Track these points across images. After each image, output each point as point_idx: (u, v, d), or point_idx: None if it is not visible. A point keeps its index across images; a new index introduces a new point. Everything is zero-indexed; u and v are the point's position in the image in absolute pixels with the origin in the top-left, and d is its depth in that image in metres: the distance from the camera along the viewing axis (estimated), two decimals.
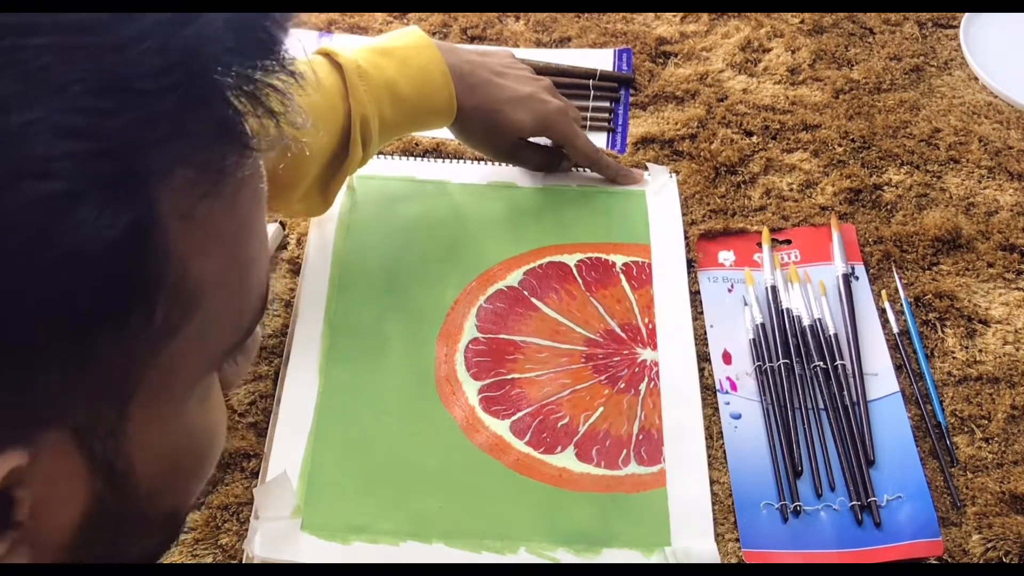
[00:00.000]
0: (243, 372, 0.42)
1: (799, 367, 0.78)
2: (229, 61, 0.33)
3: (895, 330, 0.81)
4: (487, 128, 0.85)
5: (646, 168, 0.92)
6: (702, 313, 0.82)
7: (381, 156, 0.93)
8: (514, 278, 0.84)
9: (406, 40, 0.80)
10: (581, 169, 0.92)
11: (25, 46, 0.30)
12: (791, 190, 0.91)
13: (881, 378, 0.78)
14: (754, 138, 0.96)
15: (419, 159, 0.93)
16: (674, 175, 0.92)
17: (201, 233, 0.34)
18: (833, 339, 0.79)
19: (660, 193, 0.90)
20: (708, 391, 0.77)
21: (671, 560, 0.68)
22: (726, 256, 0.86)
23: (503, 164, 0.92)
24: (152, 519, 0.40)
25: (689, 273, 0.85)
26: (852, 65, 1.03)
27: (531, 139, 0.89)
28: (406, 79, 0.79)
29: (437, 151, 0.94)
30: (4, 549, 0.33)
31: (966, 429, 0.75)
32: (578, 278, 0.84)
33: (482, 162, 0.93)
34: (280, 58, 0.34)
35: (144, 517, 0.39)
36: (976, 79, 1.02)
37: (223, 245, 0.35)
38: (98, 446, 0.34)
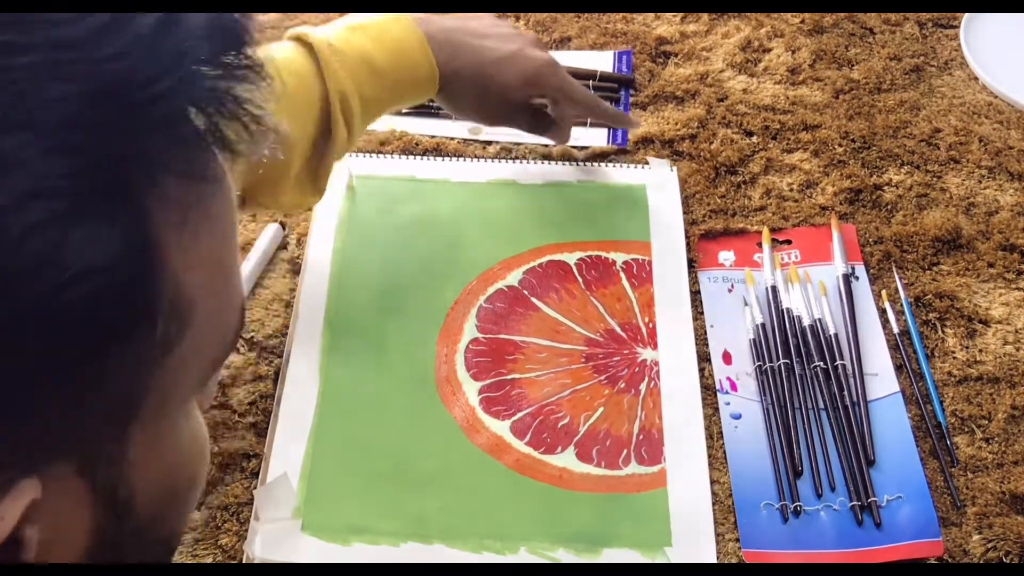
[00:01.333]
0: (211, 396, 0.42)
1: (799, 367, 0.78)
2: (209, 70, 0.33)
3: (895, 330, 0.81)
4: (475, 93, 0.82)
5: (647, 163, 0.92)
6: (702, 313, 0.82)
7: (381, 156, 0.93)
8: (514, 277, 0.84)
9: (378, 16, 0.78)
10: (582, 164, 0.93)
11: (11, 66, 0.29)
12: (791, 190, 0.91)
13: (881, 378, 0.78)
14: (754, 138, 0.96)
15: (419, 159, 0.93)
16: (674, 169, 0.92)
17: (192, 243, 0.33)
18: (833, 339, 0.79)
19: (661, 187, 0.90)
20: (708, 391, 0.77)
21: (671, 560, 0.68)
22: (726, 256, 0.86)
23: (502, 161, 0.92)
24: (150, 546, 0.39)
25: (689, 273, 0.85)
26: (852, 65, 1.03)
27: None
28: (382, 51, 0.76)
29: (437, 151, 0.94)
30: None
31: (966, 429, 0.75)
32: (578, 277, 0.84)
33: (482, 160, 0.93)
34: (253, 60, 0.34)
35: (144, 545, 0.39)
36: (976, 79, 1.02)
37: (210, 254, 0.35)
38: (101, 474, 0.34)
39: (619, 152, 0.95)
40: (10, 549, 0.32)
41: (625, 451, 0.74)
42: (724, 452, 0.74)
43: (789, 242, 0.87)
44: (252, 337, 0.79)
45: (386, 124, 0.96)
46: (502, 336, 0.80)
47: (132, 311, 0.32)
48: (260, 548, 0.67)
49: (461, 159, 0.93)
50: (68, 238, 0.29)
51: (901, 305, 0.82)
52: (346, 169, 0.90)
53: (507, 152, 0.94)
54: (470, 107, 0.84)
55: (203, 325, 0.35)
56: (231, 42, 0.34)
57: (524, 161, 0.93)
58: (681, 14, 1.08)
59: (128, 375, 0.33)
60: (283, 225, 0.87)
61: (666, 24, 1.07)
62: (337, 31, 0.76)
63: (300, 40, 0.74)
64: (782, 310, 0.82)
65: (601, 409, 0.76)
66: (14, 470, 0.31)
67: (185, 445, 0.39)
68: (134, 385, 0.33)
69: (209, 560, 0.68)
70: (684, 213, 0.89)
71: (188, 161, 0.33)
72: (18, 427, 0.31)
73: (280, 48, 0.74)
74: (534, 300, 0.83)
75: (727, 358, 0.80)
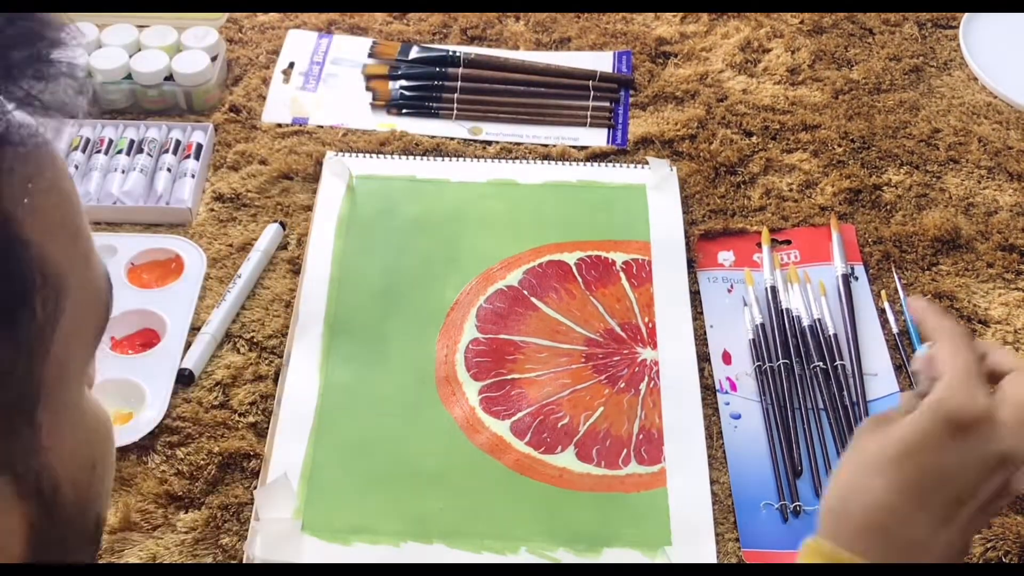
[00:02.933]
0: (95, 373, 0.41)
1: (799, 367, 0.79)
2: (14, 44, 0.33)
3: (895, 330, 0.81)
4: None
5: (647, 163, 0.92)
6: (702, 313, 0.82)
7: (381, 156, 0.93)
8: (514, 277, 0.84)
9: None
10: (582, 164, 0.93)
11: None
12: (791, 190, 0.91)
13: (881, 378, 0.78)
14: (754, 138, 0.96)
15: (419, 159, 0.93)
16: (674, 169, 0.92)
17: (42, 215, 0.33)
18: (833, 339, 0.80)
19: (660, 187, 0.90)
20: (708, 391, 0.78)
21: (671, 560, 0.68)
22: (726, 256, 0.86)
23: (502, 161, 0.92)
24: (85, 531, 0.39)
25: (689, 273, 0.85)
26: (852, 65, 1.03)
27: None
28: None
29: (437, 151, 0.94)
30: None
31: None
32: (578, 277, 0.84)
33: (482, 160, 0.93)
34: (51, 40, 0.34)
35: (79, 531, 0.38)
36: (976, 79, 1.02)
37: (61, 222, 0.35)
38: (22, 467, 0.34)
39: (619, 152, 0.95)
40: None
41: (625, 451, 0.74)
42: (724, 452, 0.74)
43: (789, 242, 0.87)
44: (252, 337, 0.79)
45: (386, 124, 0.96)
46: (502, 336, 0.80)
47: (9, 294, 0.32)
48: (260, 548, 0.67)
49: (461, 159, 0.93)
50: None
51: (900, 305, 0.82)
52: (346, 169, 0.90)
53: (507, 152, 0.95)
54: None
55: (77, 294, 0.35)
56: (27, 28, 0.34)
57: (524, 161, 0.93)
58: (681, 14, 1.08)
59: (21, 358, 0.32)
60: (283, 225, 0.87)
61: (666, 24, 1.07)
62: None
63: None
64: (781, 310, 0.82)
65: (601, 409, 0.76)
66: None
67: (89, 421, 0.38)
68: (30, 366, 0.33)
69: (209, 560, 0.68)
70: (684, 213, 0.89)
71: (14, 135, 0.32)
72: None
73: None
74: (534, 300, 0.83)
75: (727, 358, 0.80)
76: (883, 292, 0.83)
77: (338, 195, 0.89)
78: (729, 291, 0.84)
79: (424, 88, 0.99)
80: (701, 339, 0.81)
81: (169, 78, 0.95)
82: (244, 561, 0.67)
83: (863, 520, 0.52)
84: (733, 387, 0.78)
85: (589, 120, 0.97)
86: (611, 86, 1.00)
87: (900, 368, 0.79)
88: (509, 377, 0.78)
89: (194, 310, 0.80)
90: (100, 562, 0.67)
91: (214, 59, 0.96)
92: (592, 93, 0.99)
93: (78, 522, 0.38)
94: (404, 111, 0.97)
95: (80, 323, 0.35)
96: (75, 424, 0.37)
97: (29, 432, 0.34)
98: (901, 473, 0.51)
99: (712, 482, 0.72)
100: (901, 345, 0.80)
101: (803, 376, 0.78)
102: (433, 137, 0.95)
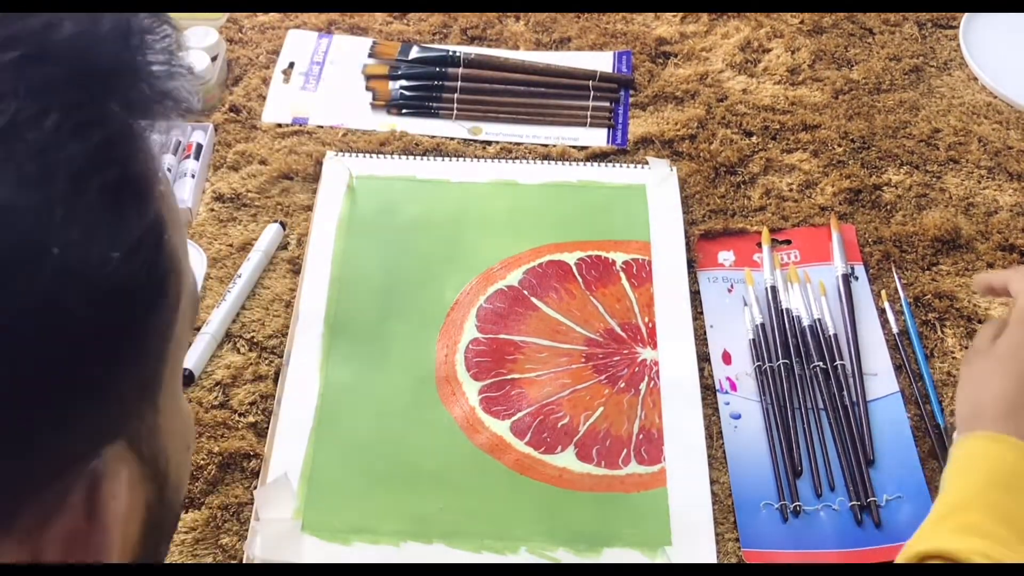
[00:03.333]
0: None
1: (799, 367, 0.79)
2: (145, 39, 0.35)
3: (895, 330, 0.81)
4: None
5: (647, 163, 0.92)
6: (702, 313, 0.82)
7: (381, 156, 0.93)
8: (514, 277, 0.84)
9: None
10: (582, 164, 0.93)
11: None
12: (791, 190, 0.91)
13: (881, 378, 0.78)
14: (754, 138, 0.96)
15: (419, 159, 0.93)
16: (674, 169, 0.92)
17: (167, 202, 0.35)
18: (833, 339, 0.80)
19: (660, 187, 0.90)
20: (708, 391, 0.78)
21: (671, 560, 0.68)
22: (726, 256, 0.86)
23: (502, 161, 0.92)
24: (177, 513, 0.41)
25: (689, 273, 0.85)
26: (852, 65, 1.03)
27: None
28: None
29: (437, 151, 0.94)
30: None
31: None
32: (578, 277, 0.84)
33: (482, 160, 0.93)
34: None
35: (175, 517, 0.40)
36: (976, 79, 1.02)
37: (176, 214, 0.36)
38: (144, 448, 0.35)
39: (619, 152, 0.95)
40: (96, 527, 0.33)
41: (625, 451, 0.74)
42: (724, 452, 0.74)
43: (789, 242, 0.87)
44: (252, 337, 0.80)
45: (386, 124, 0.96)
46: (502, 336, 0.80)
47: (157, 279, 0.33)
48: (260, 548, 0.67)
49: (461, 159, 0.93)
50: (110, 222, 0.31)
51: (900, 305, 0.82)
52: (346, 169, 0.90)
53: (507, 152, 0.95)
54: None
55: (187, 284, 0.36)
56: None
57: (524, 161, 0.93)
58: (681, 14, 1.08)
59: (158, 339, 0.34)
60: (283, 225, 0.87)
61: (666, 24, 1.07)
62: None
63: None
64: (782, 310, 0.82)
65: (601, 409, 0.76)
66: (91, 451, 0.32)
67: (186, 406, 0.41)
68: (160, 353, 0.35)
69: (209, 560, 0.68)
70: (684, 213, 0.89)
71: (157, 127, 0.34)
72: (88, 408, 0.32)
73: None
74: (534, 300, 0.83)
75: (727, 358, 0.80)
76: (883, 292, 0.83)
77: (338, 195, 0.89)
78: (729, 291, 0.84)
79: (424, 88, 0.99)
80: (701, 339, 0.81)
81: None
82: (244, 561, 0.67)
83: (993, 410, 0.63)
84: (733, 387, 0.78)
85: (589, 120, 0.97)
86: (611, 86, 1.00)
87: (900, 368, 0.79)
88: (509, 377, 0.78)
89: None
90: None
91: (214, 59, 0.96)
92: (592, 93, 0.99)
93: (176, 507, 0.40)
94: (404, 111, 0.97)
95: (188, 311, 0.37)
96: (179, 410, 0.39)
97: (152, 414, 0.35)
98: (1012, 367, 0.64)
99: (712, 482, 0.72)
100: (901, 345, 0.80)
101: (803, 376, 0.78)
102: (433, 137, 0.95)
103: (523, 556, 0.68)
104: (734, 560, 0.69)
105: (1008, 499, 0.59)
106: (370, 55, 1.03)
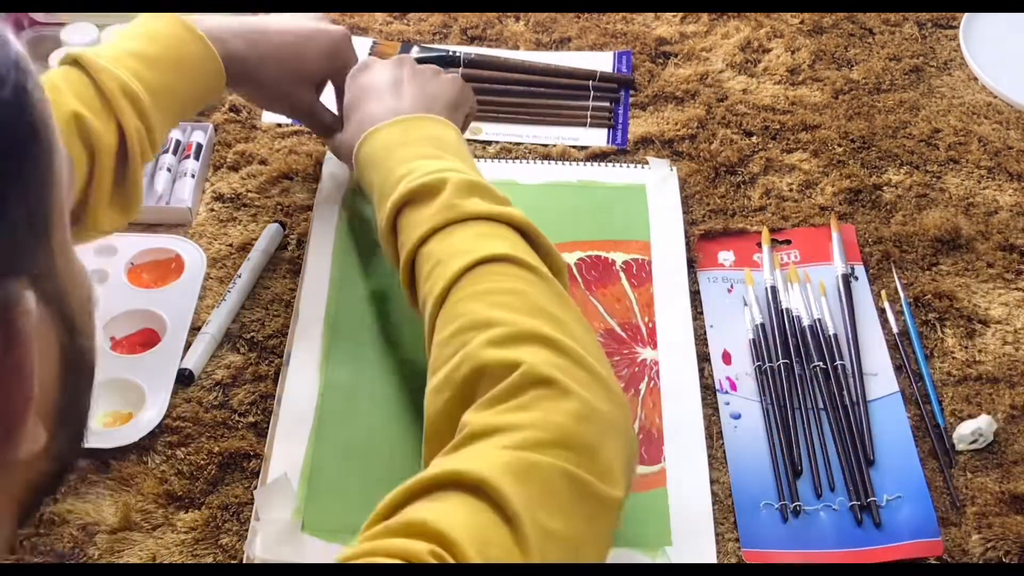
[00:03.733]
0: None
1: (799, 367, 0.79)
2: None
3: (895, 330, 0.81)
4: (284, 75, 0.81)
5: (647, 163, 0.92)
6: (702, 313, 0.82)
7: None
8: None
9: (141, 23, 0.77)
10: (582, 164, 0.93)
11: None
12: (791, 190, 0.91)
13: (881, 378, 0.78)
14: (754, 138, 0.96)
15: None
16: (674, 169, 0.92)
17: (29, 64, 0.37)
18: (833, 339, 0.80)
19: (660, 187, 0.90)
20: (708, 391, 0.78)
21: (671, 560, 0.68)
22: (726, 256, 0.86)
23: (502, 161, 0.92)
24: (91, 363, 0.43)
25: (689, 273, 0.85)
26: (852, 65, 1.03)
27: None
28: (144, 39, 0.75)
29: None
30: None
31: None
32: (578, 277, 0.84)
33: (482, 160, 0.93)
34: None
35: (89, 361, 0.43)
36: (976, 79, 1.02)
37: (37, 78, 0.38)
38: (48, 289, 0.38)
39: (619, 152, 0.95)
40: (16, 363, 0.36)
41: None
42: (724, 452, 0.74)
43: (789, 242, 0.87)
44: (252, 337, 0.80)
45: None
46: None
47: (29, 124, 0.36)
48: (260, 548, 0.67)
49: None
50: None
51: (900, 305, 0.82)
52: (346, 169, 0.90)
53: (507, 152, 0.95)
54: (276, 94, 0.83)
55: (59, 146, 0.39)
56: None
57: (524, 161, 0.93)
58: (681, 14, 1.08)
59: (38, 183, 0.37)
60: (283, 225, 0.87)
61: (666, 24, 1.07)
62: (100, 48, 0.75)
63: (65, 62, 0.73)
64: (781, 310, 0.82)
65: None
66: None
67: (81, 264, 0.43)
68: (44, 196, 0.37)
69: (209, 560, 0.68)
70: (684, 213, 0.89)
71: None
72: None
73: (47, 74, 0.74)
74: None
75: (727, 358, 0.80)
76: (883, 292, 0.83)
77: (338, 195, 0.89)
78: (729, 291, 0.84)
79: None
80: (701, 339, 0.81)
81: None
82: (244, 561, 0.67)
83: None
84: (733, 387, 0.78)
85: (589, 120, 0.97)
86: (611, 86, 1.00)
87: (900, 368, 0.79)
88: None
89: (194, 310, 0.80)
90: (100, 562, 0.67)
91: None
92: (592, 93, 0.99)
93: (89, 355, 0.43)
94: None
95: (63, 171, 0.39)
96: (74, 261, 0.41)
97: (46, 256, 0.38)
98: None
99: (712, 482, 0.72)
100: (901, 345, 0.80)
101: (803, 376, 0.78)
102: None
103: None
104: (734, 560, 0.69)
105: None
106: (370, 55, 1.03)
